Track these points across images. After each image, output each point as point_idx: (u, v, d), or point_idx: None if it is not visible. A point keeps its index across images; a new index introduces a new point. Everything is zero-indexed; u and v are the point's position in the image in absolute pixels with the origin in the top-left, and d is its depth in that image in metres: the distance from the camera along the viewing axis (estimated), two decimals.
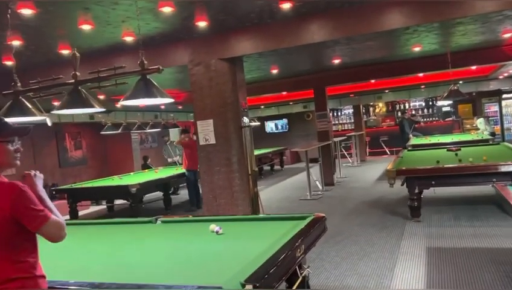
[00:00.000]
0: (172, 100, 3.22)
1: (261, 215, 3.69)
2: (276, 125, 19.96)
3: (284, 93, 12.30)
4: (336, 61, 7.12)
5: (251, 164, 5.72)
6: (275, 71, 7.34)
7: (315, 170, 10.93)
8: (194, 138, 7.26)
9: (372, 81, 11.53)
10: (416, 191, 6.55)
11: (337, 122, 20.34)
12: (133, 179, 9.35)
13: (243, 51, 5.34)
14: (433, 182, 6.44)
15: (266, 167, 15.38)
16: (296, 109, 17.29)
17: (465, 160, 6.73)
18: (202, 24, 4.88)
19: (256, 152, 15.17)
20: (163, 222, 3.99)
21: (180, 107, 13.25)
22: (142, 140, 15.33)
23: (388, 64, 10.21)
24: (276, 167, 16.13)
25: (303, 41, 5.05)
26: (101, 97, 8.60)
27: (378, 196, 9.16)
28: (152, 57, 5.78)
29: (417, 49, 6.42)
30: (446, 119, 18.47)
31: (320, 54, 6.40)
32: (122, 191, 8.05)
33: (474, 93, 16.33)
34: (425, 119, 19.00)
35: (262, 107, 17.22)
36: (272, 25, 5.12)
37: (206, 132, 5.54)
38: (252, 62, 5.99)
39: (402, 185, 6.87)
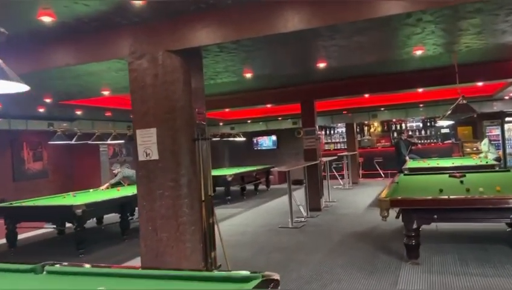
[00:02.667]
0: (27, 88, 2.00)
1: (184, 273, 2.46)
2: (264, 142, 18.76)
3: (269, 106, 11.14)
4: (321, 65, 5.95)
5: (206, 188, 4.47)
6: (248, 75, 6.17)
7: (301, 193, 9.71)
8: None
9: (366, 95, 10.41)
10: (415, 226, 5.32)
11: (329, 140, 19.21)
12: (89, 197, 8.07)
13: (197, 41, 4.15)
14: (436, 217, 5.22)
15: (250, 187, 14.11)
16: (285, 124, 16.12)
17: (474, 190, 5.51)
18: (138, 2, 3.69)
19: (239, 170, 14.09)
20: (49, 272, 2.73)
21: None
22: (116, 153, 14.07)
23: (384, 77, 9.09)
24: (262, 187, 14.85)
25: (273, 30, 3.87)
26: (48, 100, 7.37)
27: (369, 227, 7.90)
28: (84, 46, 4.60)
29: (419, 52, 5.26)
30: (445, 142, 17.37)
31: (300, 53, 5.24)
32: (65, 212, 6.77)
33: (475, 115, 15.26)
34: (422, 141, 17.92)
35: (249, 121, 16.05)
36: (234, 8, 3.94)
37: (148, 144, 4.31)
38: (214, 59, 4.81)
39: (397, 217, 5.66)
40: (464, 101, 5.80)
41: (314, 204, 9.82)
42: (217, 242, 4.87)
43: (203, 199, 4.38)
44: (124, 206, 7.90)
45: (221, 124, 16.22)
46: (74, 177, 12.40)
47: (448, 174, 7.62)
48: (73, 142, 9.10)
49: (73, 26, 4.26)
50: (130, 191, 8.73)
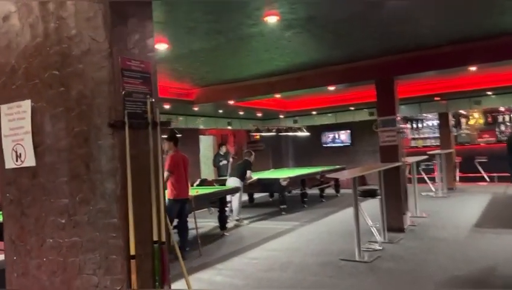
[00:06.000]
0: None
1: None
2: (334, 138, 15.98)
3: (332, 88, 8.50)
4: None
5: (146, 228, 2.13)
6: (274, 20, 3.71)
7: (376, 206, 6.97)
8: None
9: (473, 69, 7.30)
10: None
11: (416, 135, 15.79)
12: None
13: None
14: None
15: (313, 191, 11.52)
16: (359, 116, 13.30)
17: None
18: None
19: (299, 172, 11.52)
20: None
21: (196, 108, 9.98)
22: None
23: (500, 39, 6.07)
24: (330, 192, 12.16)
25: None
26: None
27: (483, 265, 5.05)
28: None
29: None
30: None
31: None
32: None
33: None
34: None
35: (314, 113, 13.45)
36: None
37: (18, 134, 2.08)
38: None
39: None
40: None
41: (394, 222, 7.05)
42: None
43: (132, 252, 2.03)
44: None
45: (281, 116, 13.81)
46: None
47: None
48: None
49: None
50: None
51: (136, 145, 2.13)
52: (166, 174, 6.44)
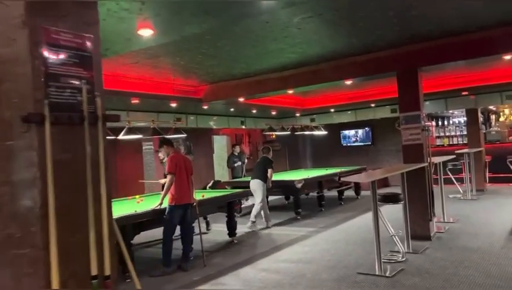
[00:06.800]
0: None
1: None
2: (354, 136, 15.24)
3: (349, 83, 7.81)
4: None
5: (88, 257, 1.58)
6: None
7: (397, 211, 6.30)
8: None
9: (507, 58, 6.50)
10: None
11: (442, 134, 14.91)
12: None
13: None
14: None
15: (331, 193, 10.87)
16: (380, 113, 12.56)
17: None
18: None
19: (315, 173, 10.74)
20: None
21: (206, 107, 9.45)
22: None
23: None
24: (349, 194, 11.46)
25: None
26: None
27: None
28: None
29: None
30: None
31: None
32: None
33: None
34: None
35: (332, 110, 12.77)
36: None
37: None
38: None
39: None
40: None
41: (419, 229, 6.38)
42: None
43: (55, 287, 1.48)
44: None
45: (297, 114, 13.18)
46: (117, 180, 10.37)
47: None
48: None
49: None
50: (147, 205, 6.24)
51: (66, 147, 1.58)
52: (169, 177, 5.95)
